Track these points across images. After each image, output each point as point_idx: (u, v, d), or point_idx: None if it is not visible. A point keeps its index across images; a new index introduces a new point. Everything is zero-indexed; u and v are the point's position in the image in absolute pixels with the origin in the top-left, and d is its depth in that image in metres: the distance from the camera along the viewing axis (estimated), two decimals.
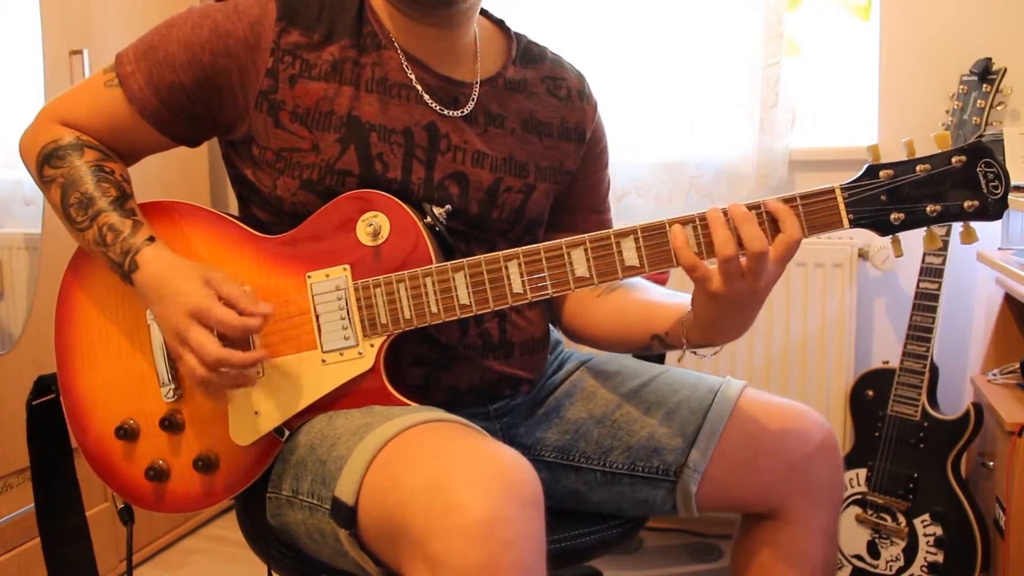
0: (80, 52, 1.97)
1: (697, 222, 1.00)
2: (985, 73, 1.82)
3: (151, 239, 1.08)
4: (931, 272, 1.84)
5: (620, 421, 1.23)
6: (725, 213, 0.99)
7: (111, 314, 1.15)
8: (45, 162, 1.12)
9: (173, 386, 1.12)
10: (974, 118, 1.81)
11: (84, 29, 2.01)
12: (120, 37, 2.10)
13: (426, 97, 1.15)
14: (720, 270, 0.99)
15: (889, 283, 2.14)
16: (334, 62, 1.11)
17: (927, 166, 0.97)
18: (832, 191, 0.99)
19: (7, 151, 1.92)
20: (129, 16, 2.15)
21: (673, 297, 1.19)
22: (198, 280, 1.04)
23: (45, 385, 1.19)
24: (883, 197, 0.98)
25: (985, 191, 0.96)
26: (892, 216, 0.98)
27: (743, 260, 0.98)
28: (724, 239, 0.98)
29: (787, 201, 0.99)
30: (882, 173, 0.98)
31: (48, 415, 1.19)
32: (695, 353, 1.15)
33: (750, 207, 0.99)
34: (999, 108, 1.81)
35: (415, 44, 1.15)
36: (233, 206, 1.28)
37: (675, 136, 2.19)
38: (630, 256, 1.03)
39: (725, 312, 1.04)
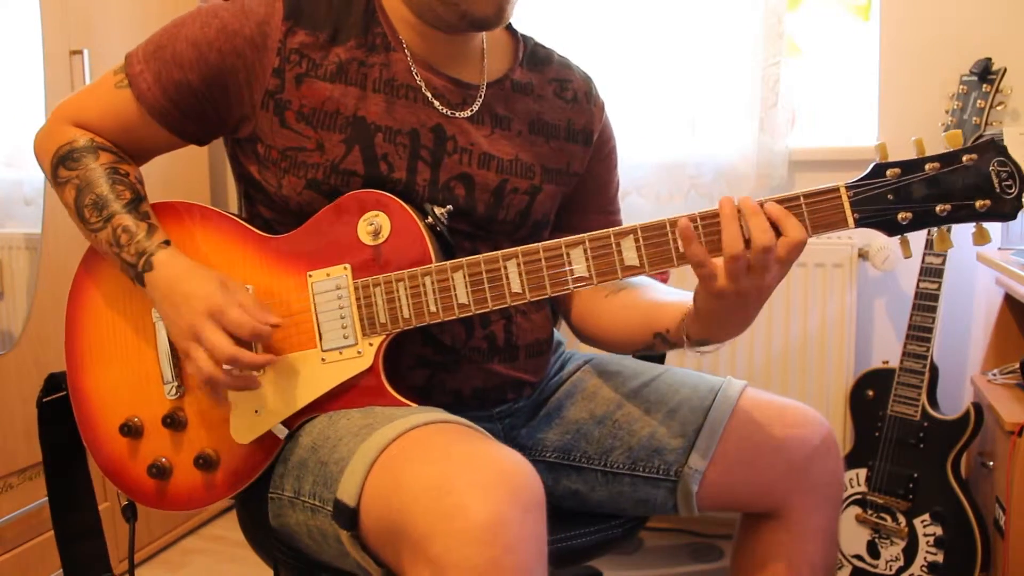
0: (80, 52, 1.97)
1: (699, 220, 0.99)
2: (985, 73, 1.82)
3: (166, 243, 1.09)
4: (931, 272, 1.85)
5: (621, 421, 1.23)
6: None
7: (120, 313, 1.16)
8: (60, 163, 1.13)
9: (176, 384, 1.12)
10: (974, 118, 1.81)
11: (84, 29, 2.01)
12: (120, 37, 2.11)
13: (432, 99, 1.15)
14: (726, 267, 0.97)
15: (889, 283, 2.14)
16: (340, 63, 1.11)
17: (937, 164, 0.94)
18: (836, 190, 0.96)
19: (7, 151, 1.93)
20: (129, 16, 2.15)
21: (675, 295, 1.18)
22: (215, 282, 1.05)
23: (55, 383, 1.20)
24: (890, 196, 0.95)
25: (998, 190, 0.93)
26: (899, 216, 0.96)
27: (749, 257, 0.96)
28: (734, 235, 0.95)
29: (788, 200, 0.97)
30: (889, 172, 0.95)
31: (58, 412, 1.19)
32: (697, 352, 1.14)
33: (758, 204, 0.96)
34: (999, 108, 1.81)
35: (425, 47, 1.15)
36: (233, 205, 1.28)
37: (675, 136, 2.19)
38: (630, 256, 1.02)
39: (728, 309, 1.02)
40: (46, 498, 1.23)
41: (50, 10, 1.91)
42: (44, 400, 1.19)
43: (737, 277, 0.97)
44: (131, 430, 1.13)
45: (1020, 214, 0.96)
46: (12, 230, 1.96)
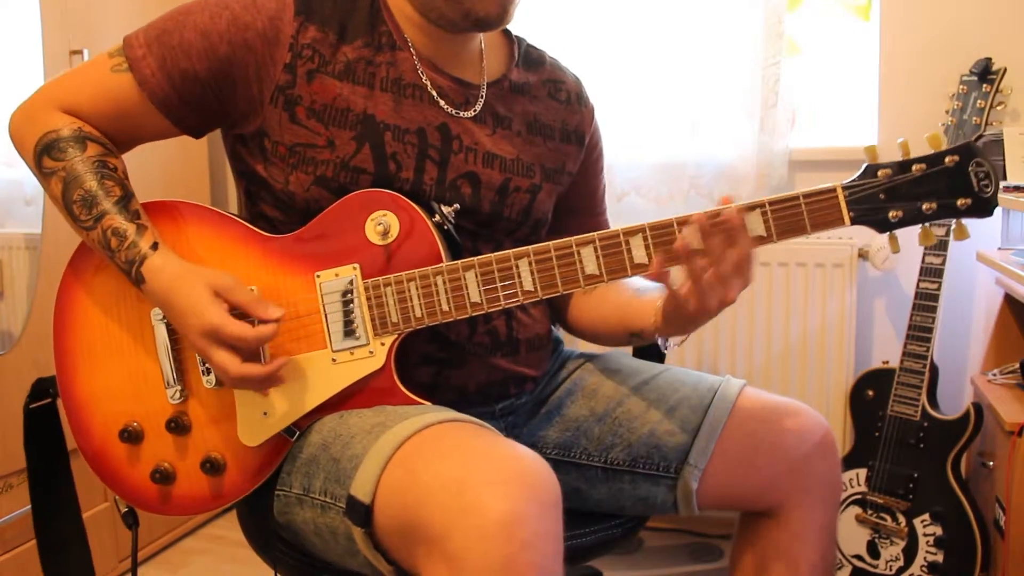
0: (80, 52, 1.97)
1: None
2: (985, 73, 1.83)
3: (155, 245, 1.07)
4: (931, 272, 1.85)
5: (621, 418, 1.24)
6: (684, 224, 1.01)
7: (113, 314, 1.14)
8: (44, 153, 1.09)
9: (179, 387, 1.11)
10: (974, 118, 1.81)
11: (84, 29, 2.01)
12: (120, 37, 2.10)
13: (438, 98, 1.15)
14: (695, 290, 1.02)
15: (889, 283, 2.14)
16: (348, 62, 1.11)
17: (923, 166, 1.01)
18: (834, 190, 1.02)
19: (8, 151, 1.92)
20: (129, 16, 2.14)
21: (647, 291, 1.21)
22: (206, 292, 1.03)
23: (43, 388, 1.18)
24: (882, 196, 1.01)
25: (976, 189, 1.00)
26: (890, 214, 1.02)
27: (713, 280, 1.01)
28: (698, 265, 1.00)
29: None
30: (880, 172, 1.01)
31: (45, 419, 1.17)
32: (665, 348, 1.22)
33: (710, 216, 1.00)
34: (999, 108, 1.81)
35: (429, 46, 1.16)
36: (234, 204, 1.28)
37: (675, 136, 2.19)
38: (639, 254, 1.04)
39: (695, 317, 1.07)
40: None
41: (50, 10, 1.91)
42: (31, 406, 1.17)
43: (705, 298, 1.02)
44: (131, 435, 1.11)
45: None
46: (12, 230, 1.96)
